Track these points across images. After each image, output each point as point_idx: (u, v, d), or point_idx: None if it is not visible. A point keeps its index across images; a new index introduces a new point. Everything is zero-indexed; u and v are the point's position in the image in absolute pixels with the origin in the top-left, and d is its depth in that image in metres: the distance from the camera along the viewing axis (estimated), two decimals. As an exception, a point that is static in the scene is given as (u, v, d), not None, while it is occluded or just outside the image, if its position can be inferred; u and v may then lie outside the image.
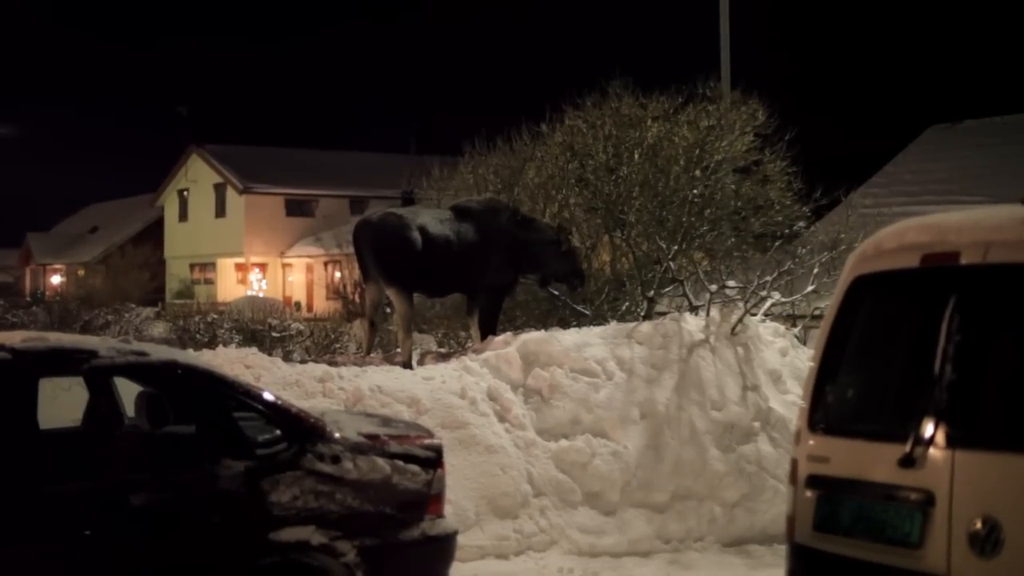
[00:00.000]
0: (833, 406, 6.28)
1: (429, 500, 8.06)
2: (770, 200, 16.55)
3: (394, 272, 12.37)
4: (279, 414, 7.76)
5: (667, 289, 15.74)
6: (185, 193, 64.37)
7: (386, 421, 8.84)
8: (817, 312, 14.12)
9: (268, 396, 7.92)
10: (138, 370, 7.77)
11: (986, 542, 5.18)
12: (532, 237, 12.98)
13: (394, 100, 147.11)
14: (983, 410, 5.41)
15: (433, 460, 8.15)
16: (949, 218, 6.00)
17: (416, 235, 12.31)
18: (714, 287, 13.69)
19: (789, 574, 6.38)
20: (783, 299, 14.35)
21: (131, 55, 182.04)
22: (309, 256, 57.56)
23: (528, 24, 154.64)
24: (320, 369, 11.48)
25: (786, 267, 14.46)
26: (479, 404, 11.11)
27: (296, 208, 59.86)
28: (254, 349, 12.51)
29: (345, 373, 11.41)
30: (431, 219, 12.61)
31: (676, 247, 15.29)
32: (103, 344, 7.69)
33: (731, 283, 14.43)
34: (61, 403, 9.31)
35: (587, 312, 15.49)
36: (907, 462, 5.50)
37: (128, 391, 8.21)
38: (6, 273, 78.46)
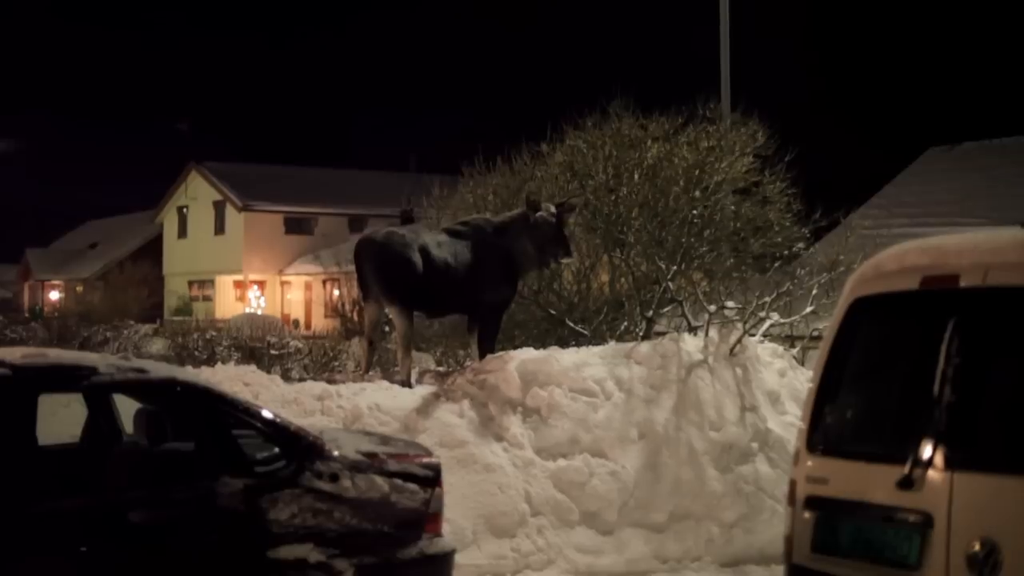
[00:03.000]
0: (832, 427, 6.29)
1: (427, 519, 8.06)
2: (769, 221, 16.56)
3: (395, 290, 12.37)
4: (278, 432, 7.76)
5: (666, 309, 15.74)
6: (184, 210, 64.49)
7: (384, 439, 8.85)
8: (816, 333, 14.11)
9: (267, 414, 7.92)
10: (137, 387, 7.79)
11: (985, 564, 5.18)
12: (508, 237, 12.85)
13: (394, 119, 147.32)
14: (982, 432, 5.41)
15: (431, 479, 8.16)
16: (949, 240, 6.02)
17: (418, 254, 12.32)
18: (713, 308, 13.69)
19: (787, 595, 6.38)
20: (782, 320, 14.35)
21: (131, 69, 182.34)
22: (308, 274, 57.65)
23: (528, 44, 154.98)
24: (319, 387, 11.49)
25: (785, 288, 14.46)
26: (477, 423, 11.10)
27: (295, 226, 59.99)
28: (253, 367, 12.52)
29: (344, 391, 11.41)
30: (431, 239, 12.62)
31: (675, 267, 15.29)
32: (103, 361, 7.70)
33: (730, 304, 14.43)
34: (60, 419, 9.31)
35: (586, 332, 15.48)
36: (906, 484, 5.51)
37: (127, 408, 8.22)
38: (5, 289, 78.55)
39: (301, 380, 12.96)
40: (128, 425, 8.23)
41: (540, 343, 14.46)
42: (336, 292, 43.82)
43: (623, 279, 16.52)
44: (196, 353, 22.21)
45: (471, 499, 10.45)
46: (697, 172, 16.03)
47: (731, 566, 11.09)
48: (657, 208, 15.80)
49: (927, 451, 5.48)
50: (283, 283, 60.21)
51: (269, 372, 13.18)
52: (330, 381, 12.35)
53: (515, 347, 13.65)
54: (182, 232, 65.12)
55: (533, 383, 11.66)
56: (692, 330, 14.00)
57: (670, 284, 15.08)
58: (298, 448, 7.70)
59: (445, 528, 8.51)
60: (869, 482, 5.81)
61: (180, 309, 59.65)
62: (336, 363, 20.83)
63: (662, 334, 14.06)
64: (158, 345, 27.70)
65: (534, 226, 12.70)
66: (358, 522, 7.69)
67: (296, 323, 54.19)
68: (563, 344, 14.16)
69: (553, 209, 12.80)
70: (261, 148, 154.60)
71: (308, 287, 58.56)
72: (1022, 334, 5.41)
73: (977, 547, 5.21)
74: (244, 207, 58.66)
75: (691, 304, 14.91)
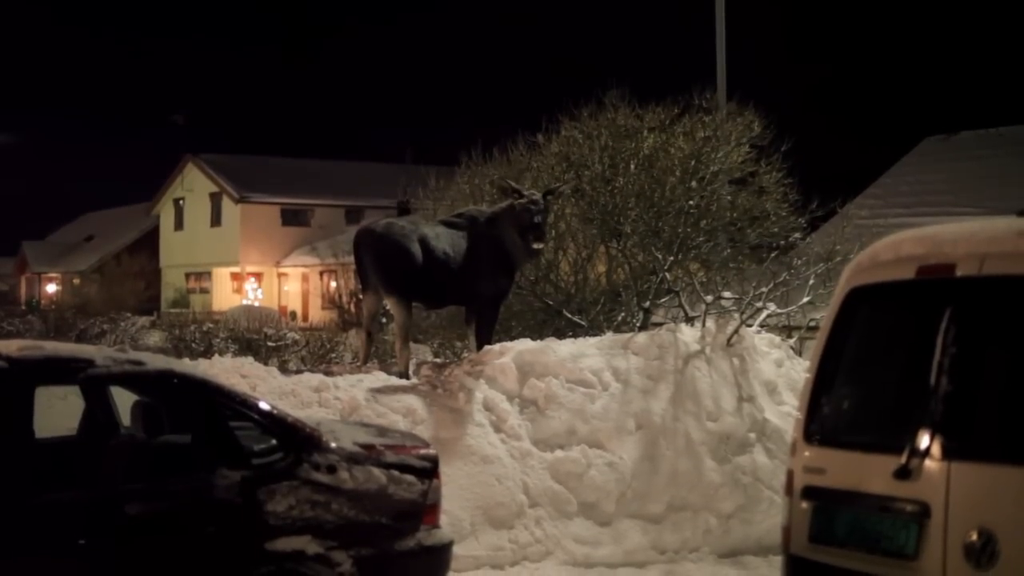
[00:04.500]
0: (829, 417, 6.29)
1: (425, 510, 8.06)
2: (766, 211, 16.58)
3: (395, 281, 12.37)
4: (275, 423, 7.76)
5: (663, 300, 15.74)
6: (181, 202, 64.42)
7: (382, 431, 8.84)
8: (813, 323, 14.12)
9: (264, 405, 7.91)
10: (134, 379, 7.79)
11: (982, 554, 5.18)
12: (500, 227, 12.81)
13: (390, 110, 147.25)
14: (979, 422, 5.41)
15: (429, 470, 8.15)
16: (945, 230, 6.01)
17: (417, 245, 12.31)
18: (710, 298, 13.69)
19: (785, 585, 6.38)
20: (779, 310, 14.36)
21: (127, 62, 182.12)
22: (305, 266, 57.61)
23: (525, 35, 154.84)
24: (316, 379, 11.47)
25: (782, 278, 14.46)
26: (474, 414, 11.10)
27: (292, 218, 59.95)
28: (250, 358, 12.50)
29: (341, 383, 11.40)
30: (430, 230, 12.61)
31: (672, 258, 15.30)
32: (99, 353, 7.68)
33: (727, 294, 14.44)
34: (57, 412, 9.31)
35: (583, 323, 15.49)
36: (903, 474, 5.51)
37: (124, 400, 8.22)
38: (1, 282, 78.43)
39: (298, 372, 12.93)
40: (125, 417, 8.23)
41: (537, 334, 14.46)
42: (333, 284, 43.84)
43: (620, 269, 16.53)
44: (193, 345, 22.18)
45: (469, 490, 10.45)
46: (693, 162, 16.04)
47: (729, 556, 11.10)
48: (653, 198, 15.81)
49: (924, 441, 5.48)
50: (280, 275, 60.16)
51: (266, 364, 13.17)
52: (327, 373, 12.34)
53: (512, 338, 13.66)
54: (179, 224, 65.06)
55: (530, 374, 11.66)
56: (689, 320, 14.00)
57: (667, 274, 15.08)
58: (295, 440, 7.69)
59: (443, 519, 8.52)
60: (866, 472, 5.81)
61: (177, 301, 59.60)
62: (333, 355, 20.81)
63: (659, 324, 14.07)
64: (155, 337, 27.66)
65: (517, 214, 12.65)
66: (356, 514, 7.69)
67: (293, 315, 54.16)
68: (560, 335, 14.18)
69: (537, 196, 12.74)
70: (257, 140, 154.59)
71: (305, 279, 58.53)
72: (1018, 323, 5.41)
73: (974, 537, 5.21)
74: (241, 199, 58.60)
75: (688, 294, 14.91)
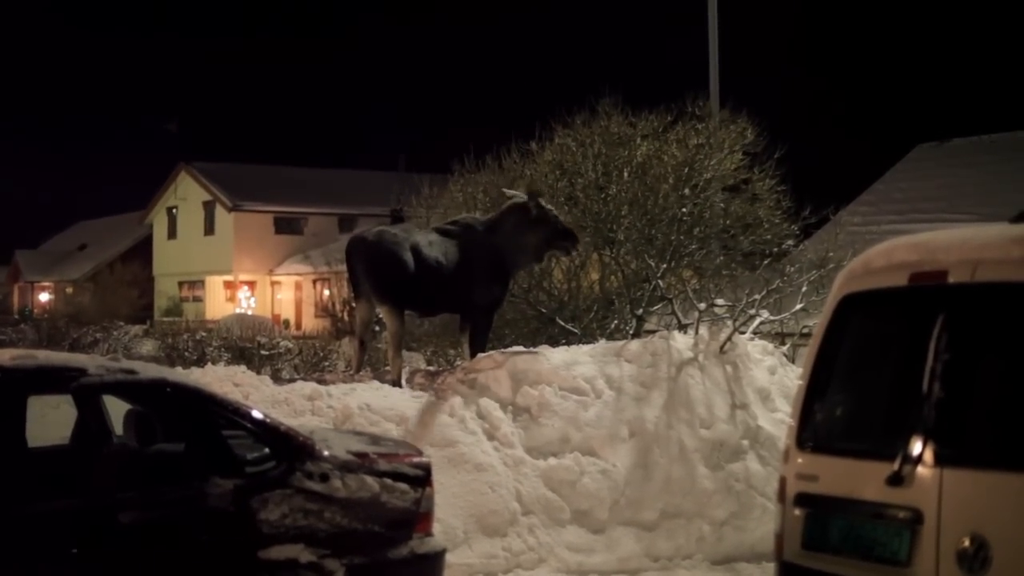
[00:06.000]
0: (822, 424, 6.29)
1: (418, 518, 8.05)
2: (759, 218, 16.61)
3: (387, 289, 12.36)
4: (268, 432, 7.75)
5: (656, 307, 15.76)
6: (174, 211, 64.42)
7: (375, 439, 8.84)
8: (806, 330, 14.11)
9: (257, 414, 7.91)
10: (127, 388, 7.77)
11: (974, 560, 5.18)
12: (501, 234, 12.81)
13: (383, 118, 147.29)
14: (971, 428, 5.42)
15: (422, 478, 8.14)
16: (937, 237, 6.02)
17: (409, 253, 12.30)
18: (703, 305, 13.69)
19: (778, 592, 6.38)
20: (772, 317, 14.36)
21: (120, 71, 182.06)
22: (298, 274, 57.61)
23: (517, 43, 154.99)
24: (309, 387, 11.46)
25: (775, 285, 14.47)
26: (468, 422, 11.09)
27: (285, 226, 59.92)
28: (243, 367, 12.49)
29: (334, 391, 11.39)
30: (422, 238, 12.60)
31: (665, 265, 15.31)
32: (92, 362, 7.68)
33: (720, 301, 14.44)
34: (50, 421, 9.29)
35: (576, 330, 15.49)
36: (895, 480, 5.51)
37: (117, 409, 8.20)
38: (-6, 290, 78.34)
39: (291, 380, 12.92)
40: (118, 426, 8.22)
41: (530, 342, 14.48)
42: (326, 292, 43.80)
43: (613, 277, 16.55)
44: (186, 354, 22.23)
45: (462, 498, 10.44)
46: (686, 170, 16.07)
47: (722, 564, 11.09)
48: (647, 206, 15.83)
49: (916, 447, 5.48)
50: (273, 283, 60.15)
51: (259, 372, 13.16)
52: (320, 381, 12.33)
53: (505, 346, 13.67)
54: (172, 233, 65.05)
55: (523, 382, 11.65)
56: (682, 328, 14.01)
57: (660, 282, 15.09)
58: (288, 448, 7.68)
59: (436, 528, 8.51)
60: (859, 479, 5.81)
61: (170, 310, 59.57)
62: (326, 363, 20.84)
63: (652, 332, 14.06)
64: (148, 346, 27.71)
65: (539, 219, 12.69)
66: (348, 522, 7.68)
67: (286, 323, 54.12)
68: (553, 343, 14.18)
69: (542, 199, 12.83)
70: (250, 148, 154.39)
71: (298, 287, 58.52)
72: (1010, 330, 5.42)
73: (967, 543, 5.21)
74: (234, 207, 58.59)
75: (681, 302, 14.93)
